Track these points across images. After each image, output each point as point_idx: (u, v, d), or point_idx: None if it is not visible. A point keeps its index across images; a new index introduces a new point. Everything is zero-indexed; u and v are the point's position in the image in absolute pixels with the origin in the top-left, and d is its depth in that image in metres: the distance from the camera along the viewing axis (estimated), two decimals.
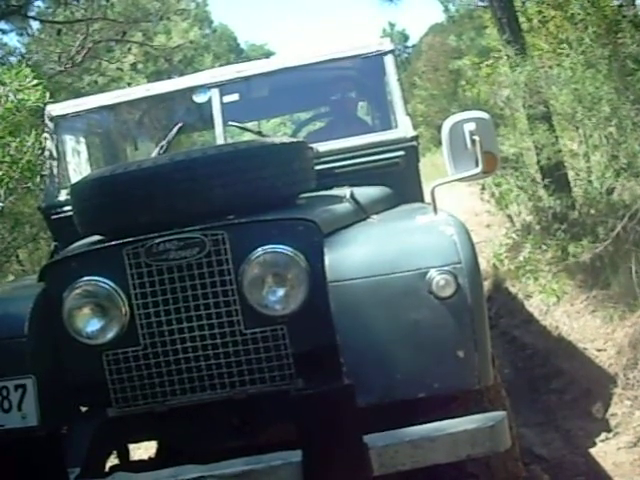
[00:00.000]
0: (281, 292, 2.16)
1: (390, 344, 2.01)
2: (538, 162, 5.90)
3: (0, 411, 2.15)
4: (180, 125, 3.50)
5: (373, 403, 1.99)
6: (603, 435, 3.58)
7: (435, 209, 2.23)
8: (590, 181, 5.18)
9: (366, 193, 2.82)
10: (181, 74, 23.23)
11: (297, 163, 2.55)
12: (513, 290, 5.81)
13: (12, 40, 11.64)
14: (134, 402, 2.24)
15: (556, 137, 5.55)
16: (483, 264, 6.76)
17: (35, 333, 2.19)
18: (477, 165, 2.21)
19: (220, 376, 2.19)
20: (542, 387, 4.31)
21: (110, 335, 2.21)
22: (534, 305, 5.31)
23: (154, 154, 3.40)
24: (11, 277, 5.64)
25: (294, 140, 2.75)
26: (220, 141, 3.26)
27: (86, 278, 2.20)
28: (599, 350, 4.18)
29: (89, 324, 2.22)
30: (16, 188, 4.04)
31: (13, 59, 11.51)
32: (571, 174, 5.52)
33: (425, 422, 1.97)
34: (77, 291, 2.20)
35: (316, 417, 1.95)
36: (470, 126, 2.23)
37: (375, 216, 2.60)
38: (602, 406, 3.77)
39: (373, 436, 1.93)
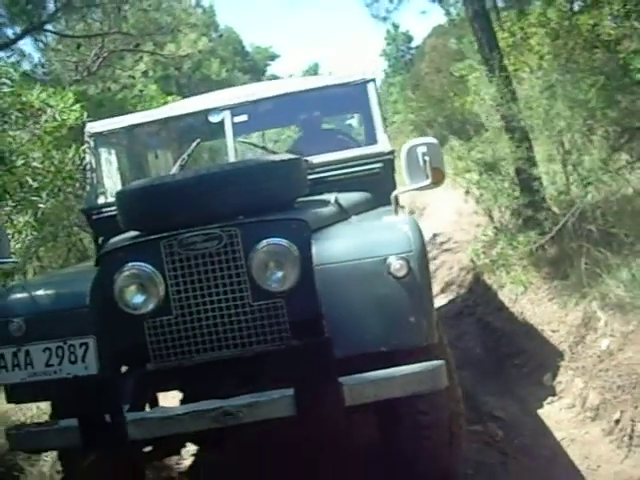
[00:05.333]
0: (280, 274, 2.85)
1: (360, 311, 2.71)
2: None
3: (68, 362, 2.86)
4: (198, 141, 4.23)
5: (346, 355, 2.68)
6: (549, 399, 4.30)
7: (396, 212, 2.94)
8: (553, 183, 5.89)
9: (349, 198, 3.52)
10: (189, 78, 23.85)
11: (293, 175, 3.26)
12: (489, 282, 6.51)
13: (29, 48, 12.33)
14: (167, 359, 2.94)
15: (526, 147, 6.24)
16: (466, 259, 7.49)
17: (94, 305, 2.90)
18: (427, 178, 2.92)
19: (233, 338, 2.89)
20: (506, 363, 5.03)
21: (150, 307, 2.91)
22: (505, 294, 6.02)
23: (176, 166, 4.11)
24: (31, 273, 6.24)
25: (291, 157, 3.44)
26: (231, 154, 3.96)
27: (132, 263, 2.91)
28: (553, 331, 4.89)
29: (134, 298, 2.92)
30: (58, 193, 4.74)
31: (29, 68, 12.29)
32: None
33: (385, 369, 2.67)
34: (125, 273, 2.90)
35: (304, 363, 2.64)
36: (422, 149, 2.94)
37: (354, 216, 3.31)
38: (551, 376, 4.49)
39: (346, 377, 2.63)
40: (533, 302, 5.46)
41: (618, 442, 3.57)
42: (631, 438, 3.51)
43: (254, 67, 37.37)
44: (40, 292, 2.99)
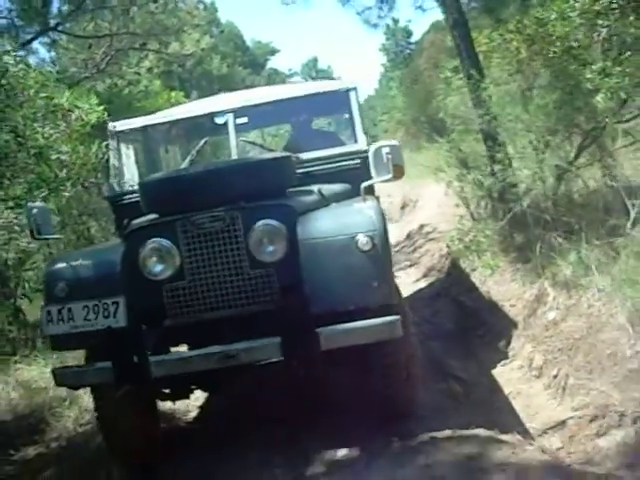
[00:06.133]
0: (271, 248, 3.56)
1: (333, 277, 3.40)
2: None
3: (102, 317, 3.55)
4: (206, 140, 4.95)
5: (322, 311, 3.39)
6: (503, 362, 5.04)
7: (364, 200, 3.65)
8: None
9: (330, 188, 4.24)
10: (190, 73, 24.33)
11: (284, 169, 3.98)
12: (463, 266, 7.24)
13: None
14: (181, 317, 3.65)
15: (499, 144, 6.94)
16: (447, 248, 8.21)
17: (123, 272, 3.61)
18: (389, 173, 3.65)
19: (234, 299, 3.60)
20: (471, 334, 5.77)
21: (167, 274, 3.62)
22: (476, 277, 6.76)
23: (187, 161, 4.84)
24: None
25: (282, 155, 4.16)
26: (234, 150, 4.67)
27: (153, 239, 3.61)
28: (512, 306, 5.63)
29: (155, 267, 3.62)
30: (83, 183, 5.46)
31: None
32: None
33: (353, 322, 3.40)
34: (148, 247, 3.61)
35: (288, 318, 3.37)
36: (386, 149, 3.66)
37: (334, 204, 4.02)
38: (506, 343, 5.23)
39: (321, 328, 3.35)
40: (498, 283, 6.19)
41: (554, 393, 4.31)
42: (564, 389, 4.24)
43: (254, 62, 38.09)
44: (80, 262, 3.71)
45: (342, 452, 3.68)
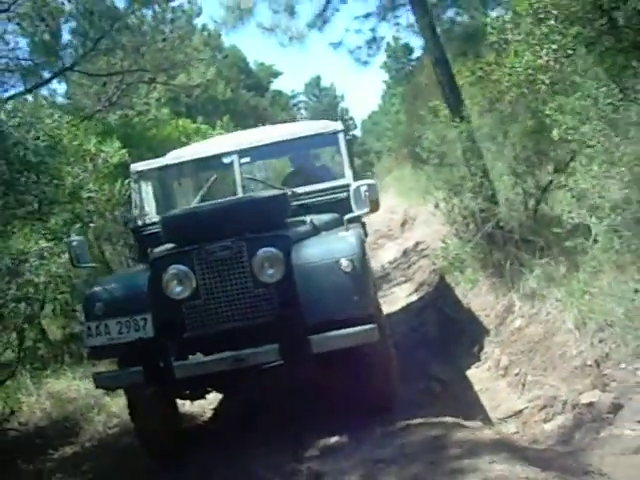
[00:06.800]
0: (271, 271, 4.30)
1: (322, 294, 4.14)
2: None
3: (134, 330, 4.31)
4: (215, 177, 5.75)
5: (314, 322, 4.14)
6: (476, 364, 5.79)
7: (347, 229, 4.42)
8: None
9: (320, 218, 5.01)
10: (196, 99, 25.02)
11: (281, 204, 4.76)
12: (449, 280, 8.00)
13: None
14: (198, 329, 4.39)
15: (482, 170, 7.67)
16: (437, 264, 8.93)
17: (149, 292, 4.37)
18: (367, 207, 4.42)
19: (242, 314, 4.34)
20: (451, 341, 6.51)
21: (186, 294, 4.37)
22: (459, 290, 7.52)
23: (199, 197, 5.63)
24: None
25: (280, 192, 4.96)
26: (239, 187, 5.45)
27: (174, 265, 4.37)
28: (486, 316, 6.38)
29: (176, 289, 4.37)
30: (105, 216, 6.26)
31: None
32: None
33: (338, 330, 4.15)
34: (170, 272, 4.36)
35: (286, 327, 4.13)
36: (364, 187, 4.45)
37: (324, 232, 4.79)
38: (479, 348, 5.97)
39: (313, 336, 4.10)
40: (477, 295, 6.95)
41: (515, 389, 5.05)
42: (523, 385, 4.98)
43: (258, 84, 38.99)
44: (113, 285, 4.49)
45: (334, 439, 4.42)
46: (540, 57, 4.99)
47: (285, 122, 8.51)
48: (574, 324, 4.83)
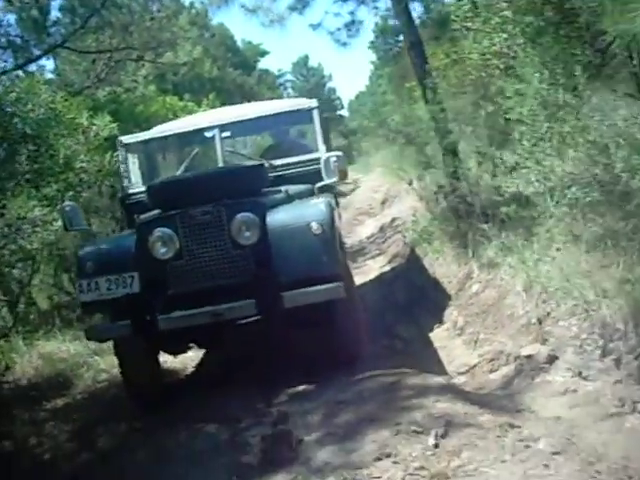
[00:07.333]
0: (248, 234, 4.74)
1: (294, 255, 4.60)
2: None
3: (122, 287, 4.76)
4: (197, 150, 6.19)
5: (287, 280, 4.61)
6: (437, 325, 6.29)
7: (318, 197, 4.88)
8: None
9: (295, 188, 5.46)
10: (183, 76, 25.22)
11: (259, 174, 5.22)
12: (419, 252, 8.51)
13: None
14: (180, 286, 4.82)
15: (452, 149, 8.15)
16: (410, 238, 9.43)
17: (137, 253, 4.81)
18: (336, 176, 4.89)
19: (221, 273, 4.79)
20: (415, 305, 7.02)
21: (170, 255, 4.80)
22: (426, 261, 8.02)
23: (182, 167, 6.07)
24: None
25: (257, 163, 5.41)
26: (220, 159, 5.89)
27: (159, 228, 4.79)
28: (449, 282, 6.89)
29: (161, 250, 4.80)
30: (99, 186, 6.70)
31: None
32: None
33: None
34: (155, 235, 4.79)
35: (260, 285, 4.60)
36: (333, 158, 4.91)
37: (297, 200, 5.24)
38: (440, 310, 6.48)
39: (285, 292, 4.57)
40: (441, 265, 7.46)
41: (468, 346, 5.56)
42: (476, 342, 5.49)
43: (245, 63, 39.17)
44: (104, 246, 4.95)
45: (302, 387, 4.91)
46: (494, 44, 5.46)
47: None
48: (523, 288, 5.33)
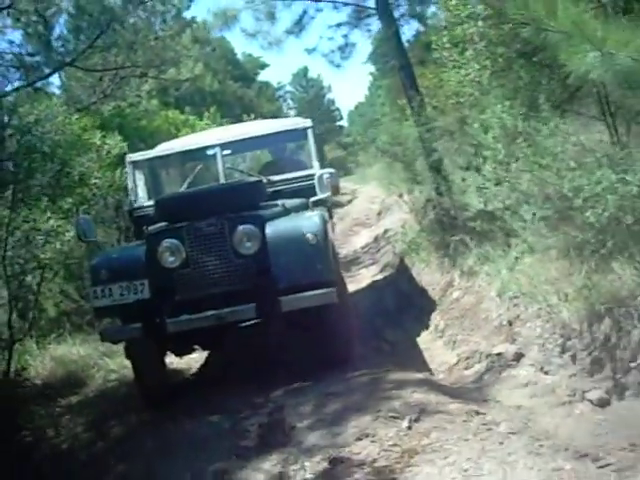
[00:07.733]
0: (249, 244, 5.19)
1: (291, 263, 5.04)
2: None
3: (133, 293, 5.24)
4: (200, 167, 6.72)
5: (284, 286, 5.07)
6: (423, 330, 6.82)
7: (313, 210, 5.40)
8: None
9: (291, 202, 5.95)
10: (184, 90, 25.73)
11: (258, 189, 5.74)
12: (407, 262, 9.05)
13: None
14: (187, 293, 5.29)
15: (437, 166, 8.68)
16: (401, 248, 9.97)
17: (146, 262, 5.29)
18: (329, 191, 5.43)
19: (224, 280, 5.25)
20: (404, 311, 7.56)
21: (177, 264, 5.27)
22: (414, 270, 8.57)
23: (186, 184, 6.61)
24: None
25: (257, 179, 5.94)
26: (221, 176, 6.41)
27: (167, 239, 5.27)
28: (433, 289, 7.43)
29: (168, 259, 5.27)
30: (107, 199, 7.27)
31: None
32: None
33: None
34: (163, 245, 5.27)
35: (260, 291, 5.09)
36: (327, 175, 5.46)
37: (294, 213, 5.75)
38: (425, 316, 7.02)
39: (283, 297, 5.06)
40: (427, 273, 8.02)
41: (447, 346, 6.11)
42: (454, 343, 6.03)
43: (245, 75, 39.79)
44: (116, 255, 5.47)
45: (297, 383, 5.42)
46: (469, 74, 6.00)
47: (270, 113, 9.52)
48: (497, 293, 5.87)
